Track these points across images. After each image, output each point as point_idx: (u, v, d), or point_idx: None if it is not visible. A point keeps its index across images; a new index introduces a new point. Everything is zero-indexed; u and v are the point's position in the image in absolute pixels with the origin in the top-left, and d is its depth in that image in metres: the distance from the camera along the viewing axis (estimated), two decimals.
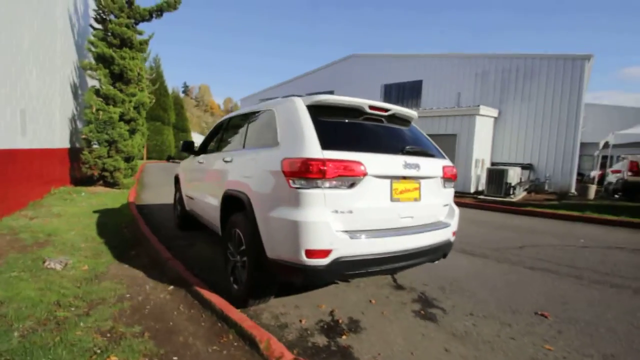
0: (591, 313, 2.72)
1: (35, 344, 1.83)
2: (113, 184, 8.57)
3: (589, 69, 13.94)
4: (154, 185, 11.01)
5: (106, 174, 8.22)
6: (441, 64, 17.44)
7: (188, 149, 4.34)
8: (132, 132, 8.56)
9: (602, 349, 2.19)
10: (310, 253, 1.99)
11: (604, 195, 11.03)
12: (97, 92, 7.86)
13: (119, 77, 8.15)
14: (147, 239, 4.13)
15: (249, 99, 27.71)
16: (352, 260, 2.08)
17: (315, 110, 2.35)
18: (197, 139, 48.69)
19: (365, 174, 2.14)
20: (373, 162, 2.19)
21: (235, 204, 2.73)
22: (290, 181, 2.07)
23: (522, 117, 14.77)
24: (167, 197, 8.21)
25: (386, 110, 2.63)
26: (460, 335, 2.32)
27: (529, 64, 15.01)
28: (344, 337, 2.22)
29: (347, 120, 2.45)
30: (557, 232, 5.94)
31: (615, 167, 12.75)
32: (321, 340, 2.18)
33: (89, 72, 7.96)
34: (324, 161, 2.02)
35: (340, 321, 2.44)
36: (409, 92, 19.05)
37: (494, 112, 14.81)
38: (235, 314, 2.22)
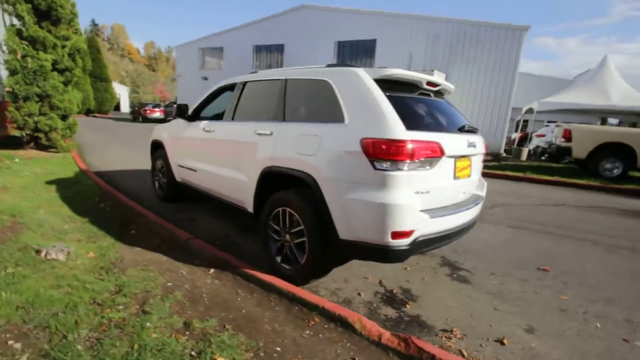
0: (576, 265, 3.29)
1: (115, 356, 1.60)
2: (47, 147, 7.24)
3: (524, 38, 15.18)
4: (95, 147, 9.62)
5: (40, 134, 6.87)
6: (395, 24, 17.43)
7: (182, 113, 3.83)
8: (67, 83, 7.14)
9: (600, 295, 2.70)
10: (396, 234, 2.01)
11: (532, 157, 12.79)
12: (19, 34, 6.24)
13: (45, 15, 6.52)
14: (141, 214, 3.70)
15: (187, 47, 24.79)
16: (427, 238, 2.17)
17: (381, 85, 2.23)
18: (119, 89, 42.58)
19: (442, 155, 2.17)
20: (447, 142, 2.21)
21: (282, 182, 2.57)
22: (376, 163, 2.00)
23: (465, 81, 15.86)
24: (119, 162, 7.31)
25: (436, 85, 2.61)
26: (497, 293, 2.64)
27: (475, 31, 15.82)
28: (407, 306, 2.37)
29: (407, 96, 2.39)
30: (511, 192, 6.83)
31: (540, 131, 14.73)
32: (390, 312, 2.29)
33: (4, 6, 6.19)
34: (411, 143, 1.99)
35: (394, 291, 2.58)
36: (362, 51, 18.87)
37: (443, 77, 15.60)
38: (309, 295, 2.20)
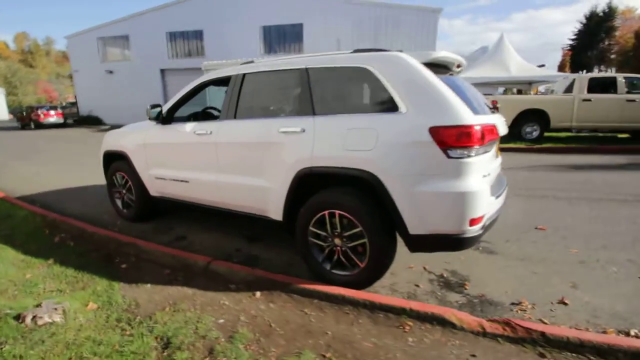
0: (560, 220, 3.74)
1: None
2: None
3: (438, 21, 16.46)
4: None
5: None
6: (321, 7, 17.34)
7: (157, 116, 3.20)
8: None
9: (596, 243, 3.11)
10: (473, 221, 1.98)
11: None
12: None
13: None
14: (123, 243, 3.04)
15: (82, 37, 21.21)
16: (491, 221, 2.20)
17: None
18: None
19: (498, 136, 2.18)
20: (498, 124, 2.23)
21: (321, 183, 2.33)
22: (449, 151, 1.92)
23: None
24: (35, 182, 5.95)
25: (459, 65, 2.61)
26: (524, 258, 2.84)
27: (396, 13, 16.65)
28: (467, 288, 2.41)
29: (448, 79, 2.33)
30: None
31: None
32: (457, 297, 2.29)
33: None
34: (480, 127, 1.94)
35: (445, 275, 2.59)
36: (290, 36, 18.42)
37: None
38: (388, 299, 2.07)
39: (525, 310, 2.13)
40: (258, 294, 2.27)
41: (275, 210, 2.60)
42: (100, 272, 2.63)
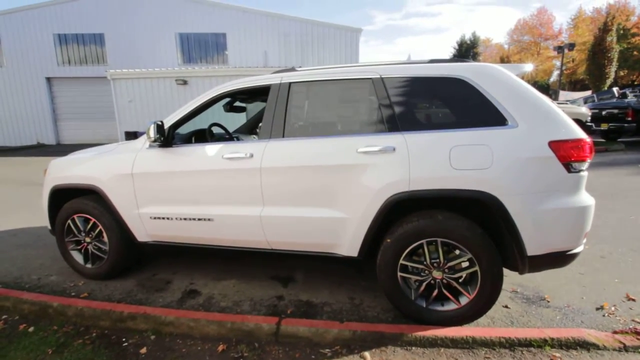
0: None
1: None
2: None
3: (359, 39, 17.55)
4: None
5: None
6: (246, 19, 16.82)
7: (161, 137, 2.43)
8: None
9: (624, 244, 3.50)
10: (585, 235, 1.96)
11: None
12: None
13: None
14: (125, 316, 2.17)
15: None
16: None
17: None
18: None
19: None
20: None
21: (405, 209, 2.05)
22: (570, 165, 1.85)
23: None
24: None
25: None
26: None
27: (322, 30, 17.17)
28: (549, 300, 2.37)
29: None
30: None
31: None
32: (551, 313, 2.23)
33: None
34: (590, 140, 1.94)
35: (517, 290, 2.51)
36: (212, 46, 17.28)
37: None
38: (522, 332, 1.86)
39: (614, 314, 2.19)
40: (367, 356, 1.82)
41: (349, 245, 2.17)
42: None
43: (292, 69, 2.43)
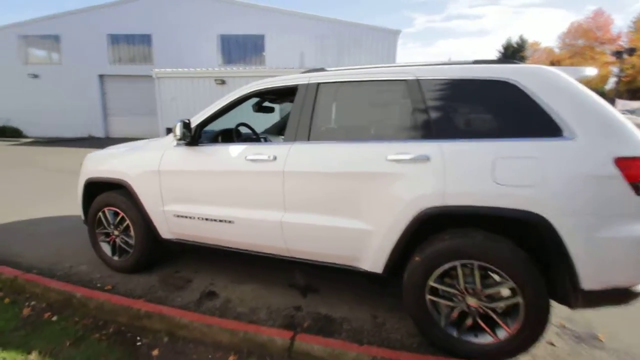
0: None
1: None
2: None
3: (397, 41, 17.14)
4: None
5: None
6: (284, 21, 17.00)
7: (186, 135, 2.41)
8: None
9: None
10: None
11: None
12: None
13: None
14: (143, 314, 2.16)
15: None
16: None
17: None
18: None
19: None
20: None
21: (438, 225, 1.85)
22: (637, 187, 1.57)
23: None
24: None
25: None
26: None
27: (358, 32, 16.98)
28: (602, 340, 2.06)
29: None
30: None
31: None
32: (605, 356, 1.93)
33: None
34: None
35: (565, 325, 2.22)
36: (251, 47, 17.65)
37: None
38: None
39: None
40: None
41: (372, 260, 2.01)
42: None
43: (322, 69, 2.31)
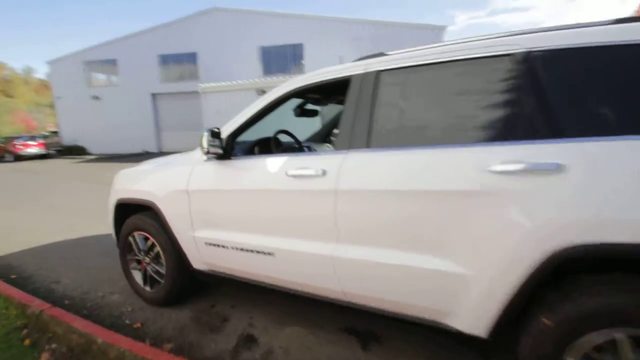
0: None
1: None
2: None
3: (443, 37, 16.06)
4: None
5: None
6: (322, 27, 16.78)
7: (218, 146, 1.99)
8: None
9: None
10: None
11: None
12: None
13: None
14: None
15: (66, 61, 20.04)
16: None
17: None
18: None
19: None
20: None
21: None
22: None
23: None
24: (13, 234, 4.52)
25: None
26: None
27: (398, 31, 16.19)
28: None
29: None
30: None
31: None
32: None
33: None
34: None
35: None
36: (290, 56, 17.67)
37: None
38: None
39: None
40: None
41: (470, 317, 1.39)
42: None
43: (381, 54, 1.76)
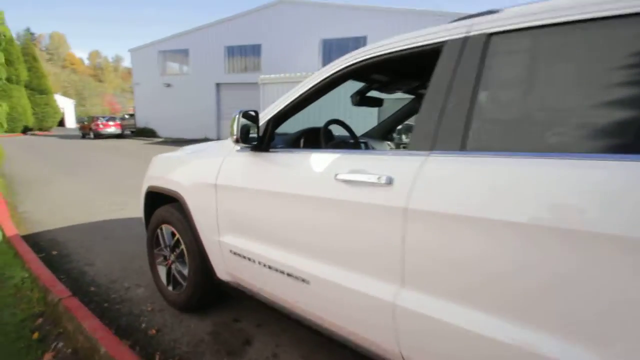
0: None
1: None
2: None
3: None
4: (32, 181, 6.74)
5: None
6: (387, 19, 15.87)
7: (247, 137, 1.58)
8: None
9: None
10: None
11: None
12: None
13: None
14: None
15: (145, 50, 21.73)
16: None
17: None
18: (62, 102, 37.20)
19: None
20: None
21: None
22: None
23: None
24: (71, 207, 4.68)
25: None
26: None
27: None
28: None
29: None
30: None
31: None
32: None
33: None
34: None
35: None
36: (352, 49, 17.00)
37: None
38: None
39: None
40: None
41: None
42: None
43: (490, 12, 1.17)
